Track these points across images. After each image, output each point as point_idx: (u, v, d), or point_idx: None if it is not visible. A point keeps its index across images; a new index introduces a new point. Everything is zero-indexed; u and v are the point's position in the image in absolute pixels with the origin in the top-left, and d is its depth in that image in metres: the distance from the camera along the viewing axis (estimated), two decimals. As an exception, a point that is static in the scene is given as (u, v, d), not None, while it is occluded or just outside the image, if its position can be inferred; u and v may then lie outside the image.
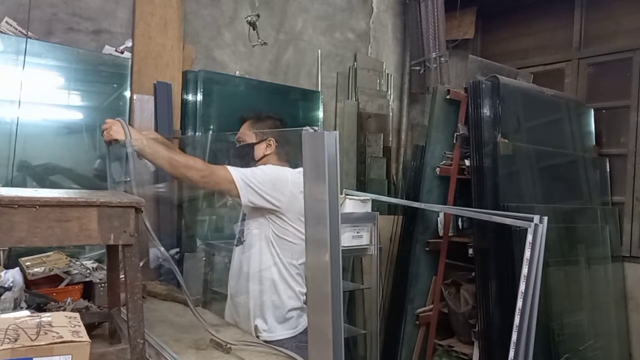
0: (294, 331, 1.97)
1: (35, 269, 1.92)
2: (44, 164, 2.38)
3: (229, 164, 1.97)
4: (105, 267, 1.67)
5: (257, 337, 1.92)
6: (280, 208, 1.91)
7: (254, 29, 2.53)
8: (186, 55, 2.96)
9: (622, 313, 3.57)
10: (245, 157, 2.10)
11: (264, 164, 2.04)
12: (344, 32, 3.90)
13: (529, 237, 1.95)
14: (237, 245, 2.08)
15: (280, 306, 1.97)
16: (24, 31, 2.40)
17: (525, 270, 1.95)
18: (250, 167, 2.01)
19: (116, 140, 1.85)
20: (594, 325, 3.32)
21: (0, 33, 2.36)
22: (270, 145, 2.10)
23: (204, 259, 2.68)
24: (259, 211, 1.95)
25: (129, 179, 1.92)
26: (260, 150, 2.10)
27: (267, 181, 1.89)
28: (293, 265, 1.97)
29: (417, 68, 4.01)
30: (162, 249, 1.87)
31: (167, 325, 1.89)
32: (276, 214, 1.93)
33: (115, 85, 2.66)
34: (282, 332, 1.96)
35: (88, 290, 1.97)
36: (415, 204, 2.99)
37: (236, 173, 1.87)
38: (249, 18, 2.51)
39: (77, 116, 2.60)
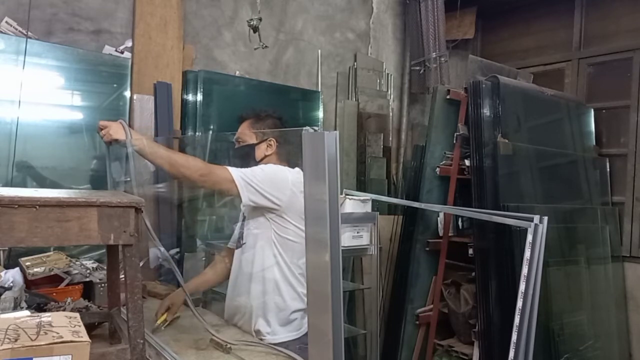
0: (298, 333, 1.94)
1: (35, 269, 1.92)
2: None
3: (229, 165, 1.96)
4: (105, 267, 1.67)
5: (260, 340, 1.89)
6: (280, 207, 1.90)
7: (254, 32, 2.52)
8: (186, 55, 2.96)
9: (622, 313, 3.57)
10: (246, 158, 2.07)
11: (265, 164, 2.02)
12: (344, 32, 3.90)
13: (529, 237, 1.95)
14: (237, 248, 2.06)
15: (283, 308, 1.95)
16: (24, 31, 2.40)
17: (525, 270, 1.95)
18: (252, 166, 1.99)
19: (116, 141, 1.84)
20: (594, 325, 3.32)
21: (0, 33, 2.36)
22: (270, 145, 2.08)
23: (204, 259, 2.68)
24: (259, 211, 1.95)
25: (129, 179, 1.92)
26: (260, 151, 2.08)
27: (267, 180, 1.88)
28: (296, 265, 1.95)
29: (417, 68, 4.01)
30: (162, 249, 1.87)
31: (167, 325, 1.89)
32: (277, 213, 1.92)
33: (115, 85, 2.66)
34: (285, 335, 1.94)
35: (88, 290, 1.97)
36: (415, 204, 2.99)
37: (236, 172, 1.86)
38: (252, 22, 2.50)
39: (77, 116, 2.60)
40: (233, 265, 2.08)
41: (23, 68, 2.30)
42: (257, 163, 2.05)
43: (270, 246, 1.94)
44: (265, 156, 2.08)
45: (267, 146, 2.08)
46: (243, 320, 2.01)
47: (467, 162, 3.22)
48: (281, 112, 2.25)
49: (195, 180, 1.89)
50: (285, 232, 1.93)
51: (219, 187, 1.92)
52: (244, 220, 2.07)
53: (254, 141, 2.09)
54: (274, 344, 1.84)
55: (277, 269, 1.94)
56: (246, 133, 2.12)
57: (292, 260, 1.95)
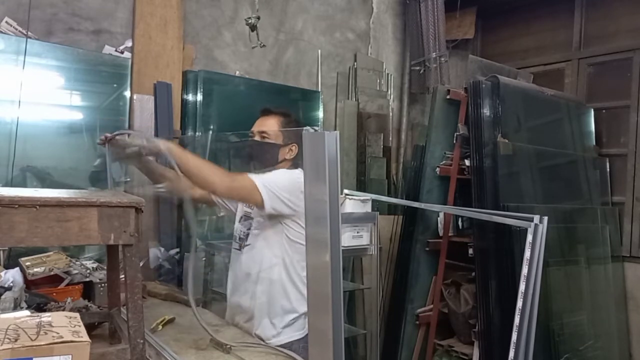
0: (301, 333, 1.93)
1: (36, 269, 1.92)
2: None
3: (242, 158, 1.92)
4: (105, 267, 1.67)
5: (265, 342, 1.87)
6: (297, 212, 1.87)
7: (252, 31, 2.52)
8: (186, 55, 2.96)
9: (622, 313, 3.57)
10: (267, 156, 2.00)
11: (279, 169, 1.97)
12: (344, 32, 3.90)
13: (529, 237, 1.95)
14: (242, 248, 2.03)
15: (290, 310, 1.94)
16: (24, 31, 2.40)
17: (525, 270, 1.95)
18: (267, 167, 1.96)
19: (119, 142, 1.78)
20: (594, 325, 3.32)
21: (0, 33, 2.36)
22: (292, 150, 2.02)
23: (204, 259, 2.68)
24: (273, 216, 1.90)
25: (129, 179, 1.91)
26: (283, 153, 2.02)
27: (286, 187, 1.84)
28: (302, 268, 1.92)
29: (417, 68, 4.01)
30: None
31: (167, 325, 1.89)
32: (292, 218, 1.89)
33: (115, 85, 2.66)
34: (290, 335, 1.93)
35: (88, 290, 1.97)
36: (415, 204, 2.99)
37: (259, 181, 1.80)
38: (251, 20, 2.51)
39: (77, 116, 2.60)
40: (237, 266, 2.06)
41: (23, 68, 2.30)
42: (275, 165, 1.99)
43: (280, 249, 1.92)
44: (285, 160, 2.02)
45: (289, 150, 2.02)
46: (246, 321, 2.00)
47: (467, 162, 3.22)
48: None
49: (220, 192, 1.84)
50: (297, 237, 1.91)
51: (241, 197, 1.88)
52: (245, 219, 2.05)
53: (280, 141, 2.02)
54: (279, 345, 1.83)
55: (284, 272, 1.93)
56: (276, 132, 2.02)
57: (301, 263, 1.92)
